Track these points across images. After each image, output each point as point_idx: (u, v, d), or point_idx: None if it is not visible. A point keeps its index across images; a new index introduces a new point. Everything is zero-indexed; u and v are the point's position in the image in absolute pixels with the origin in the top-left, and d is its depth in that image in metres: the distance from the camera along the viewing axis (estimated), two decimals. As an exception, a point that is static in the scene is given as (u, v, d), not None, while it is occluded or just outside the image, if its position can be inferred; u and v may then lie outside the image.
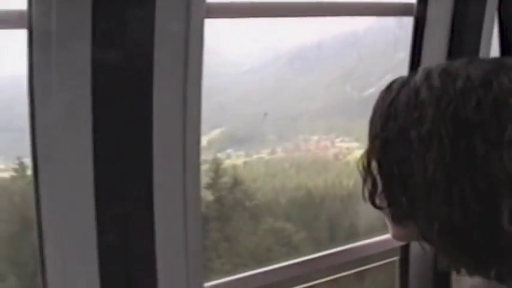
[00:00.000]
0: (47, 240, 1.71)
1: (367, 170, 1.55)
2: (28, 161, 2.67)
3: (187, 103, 1.82)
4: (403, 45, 3.32)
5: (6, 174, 2.73)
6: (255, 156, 3.15)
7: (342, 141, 3.27)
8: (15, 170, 2.68)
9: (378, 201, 1.52)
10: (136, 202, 1.78)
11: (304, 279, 2.28)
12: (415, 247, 2.55)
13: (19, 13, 1.64)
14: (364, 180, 1.55)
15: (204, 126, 3.20)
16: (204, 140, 3.14)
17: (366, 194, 1.54)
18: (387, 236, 2.57)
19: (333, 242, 3.20)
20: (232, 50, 3.11)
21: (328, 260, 2.36)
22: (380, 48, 3.34)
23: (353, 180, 3.25)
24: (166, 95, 1.78)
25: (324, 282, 2.38)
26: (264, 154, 3.17)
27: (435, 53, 2.46)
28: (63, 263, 1.72)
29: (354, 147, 3.28)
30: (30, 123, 1.68)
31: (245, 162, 3.13)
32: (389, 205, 1.50)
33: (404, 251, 2.58)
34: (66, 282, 1.74)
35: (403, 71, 3.37)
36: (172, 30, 1.76)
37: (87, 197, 1.70)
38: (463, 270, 1.46)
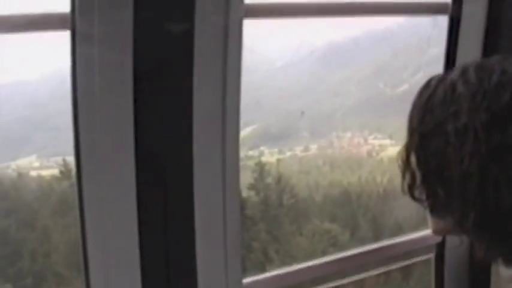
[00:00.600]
0: (89, 239, 1.73)
1: (406, 163, 1.56)
2: (64, 158, 2.72)
3: (226, 102, 1.83)
4: (436, 42, 3.32)
5: (45, 173, 2.76)
6: (288, 154, 3.16)
7: (374, 138, 3.27)
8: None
9: (416, 194, 1.54)
10: (177, 199, 1.80)
11: (331, 277, 2.28)
12: (450, 244, 2.54)
13: (62, 15, 1.66)
14: (403, 174, 1.57)
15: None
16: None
17: (405, 187, 1.56)
18: (422, 233, 2.59)
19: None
20: (266, 47, 3.13)
21: (359, 258, 2.36)
22: (413, 45, 3.34)
23: (387, 177, 3.25)
24: (206, 94, 1.80)
25: (353, 282, 2.38)
26: (298, 151, 3.17)
27: (470, 51, 2.45)
28: (106, 262, 1.74)
29: (386, 144, 3.28)
30: (74, 123, 1.69)
31: (278, 160, 3.14)
32: (427, 197, 1.52)
33: (440, 247, 2.57)
34: (108, 282, 1.75)
35: (436, 67, 3.37)
36: (211, 30, 1.77)
37: (129, 195, 1.72)
38: (500, 262, 1.48)
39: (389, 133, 3.28)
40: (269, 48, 3.20)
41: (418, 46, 3.32)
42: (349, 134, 3.25)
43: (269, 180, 3.04)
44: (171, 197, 1.79)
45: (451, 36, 2.43)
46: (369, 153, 3.24)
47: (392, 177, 3.27)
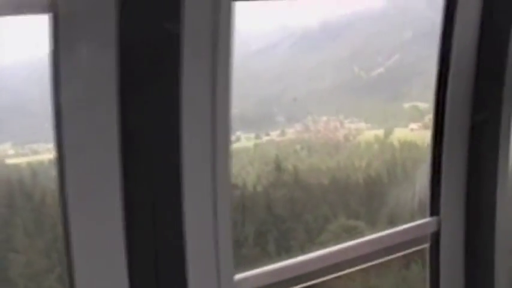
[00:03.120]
0: (72, 227, 1.70)
1: None
2: (39, 146, 2.67)
3: (216, 85, 1.81)
4: (411, 25, 3.33)
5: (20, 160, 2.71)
6: (265, 138, 3.14)
7: (350, 122, 3.26)
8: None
9: None
10: (165, 189, 1.77)
11: (323, 272, 2.28)
12: (445, 233, 2.56)
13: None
14: None
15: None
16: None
17: None
18: (417, 223, 2.61)
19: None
20: (240, 31, 3.10)
21: (354, 251, 2.37)
22: (387, 29, 3.34)
23: (365, 162, 3.25)
24: (195, 77, 1.77)
25: (347, 275, 2.38)
26: (274, 136, 3.16)
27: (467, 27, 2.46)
28: (91, 258, 1.71)
29: (362, 128, 3.28)
30: (54, 107, 1.66)
31: (256, 145, 3.12)
32: None
33: (435, 237, 2.59)
34: (94, 278, 1.72)
35: (411, 50, 3.38)
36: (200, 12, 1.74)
37: (114, 184, 1.70)
38: None
39: (365, 117, 3.28)
40: (243, 32, 3.17)
41: (393, 29, 3.33)
42: (324, 118, 3.24)
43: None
44: (160, 190, 1.77)
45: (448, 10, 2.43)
46: (346, 138, 3.24)
47: (371, 161, 3.29)
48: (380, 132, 3.30)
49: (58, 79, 1.65)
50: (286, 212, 3.09)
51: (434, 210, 2.60)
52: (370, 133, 3.29)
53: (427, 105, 3.32)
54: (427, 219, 2.60)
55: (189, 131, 1.77)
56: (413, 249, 2.61)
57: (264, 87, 3.23)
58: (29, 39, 2.26)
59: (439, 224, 2.57)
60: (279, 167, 3.05)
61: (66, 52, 1.63)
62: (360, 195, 3.26)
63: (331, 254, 2.29)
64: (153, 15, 1.68)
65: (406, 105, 3.35)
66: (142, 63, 1.69)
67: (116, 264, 1.74)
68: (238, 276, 2.03)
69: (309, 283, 2.26)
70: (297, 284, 2.24)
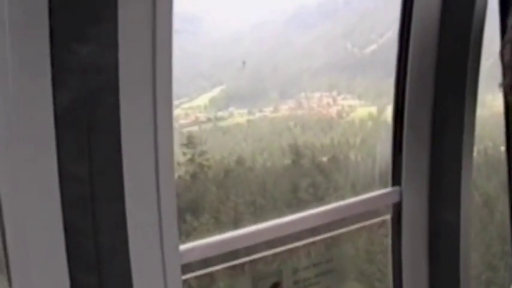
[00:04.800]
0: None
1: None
2: None
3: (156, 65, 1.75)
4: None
5: None
6: (257, 115, 3.13)
7: (343, 98, 3.26)
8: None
9: None
10: (105, 160, 1.71)
11: (273, 243, 2.24)
12: (407, 204, 2.54)
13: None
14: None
15: (205, 83, 3.19)
16: (205, 98, 3.13)
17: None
18: (378, 192, 2.58)
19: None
20: (233, 7, 3.09)
21: (317, 218, 2.34)
22: (381, 6, 3.33)
23: (359, 139, 3.26)
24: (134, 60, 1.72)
25: (303, 246, 2.35)
26: (267, 112, 3.15)
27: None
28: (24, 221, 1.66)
29: (356, 105, 3.28)
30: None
31: (249, 121, 3.11)
32: None
33: (397, 208, 2.56)
34: (27, 243, 1.67)
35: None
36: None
37: (49, 148, 1.63)
38: None
39: (358, 94, 3.27)
40: (237, 8, 3.16)
41: (386, 7, 3.31)
42: (317, 95, 3.24)
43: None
44: (97, 154, 1.70)
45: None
46: (339, 114, 3.24)
47: (365, 138, 3.28)
48: (373, 109, 3.29)
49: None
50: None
51: (396, 180, 2.57)
52: (363, 110, 3.29)
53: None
54: (389, 189, 2.56)
55: (127, 94, 1.70)
56: (375, 220, 2.59)
57: (256, 63, 3.22)
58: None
59: (400, 194, 2.54)
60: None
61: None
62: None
63: (287, 224, 2.24)
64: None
65: (399, 82, 3.34)
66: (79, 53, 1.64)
67: (52, 236, 1.68)
68: (183, 246, 1.98)
69: (261, 254, 2.21)
70: (249, 255, 2.20)
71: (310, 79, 3.28)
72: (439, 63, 2.52)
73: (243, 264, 2.20)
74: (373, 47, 3.28)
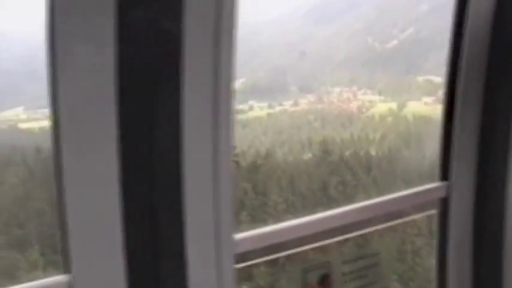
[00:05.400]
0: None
1: None
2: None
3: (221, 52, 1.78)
4: (426, -1, 3.31)
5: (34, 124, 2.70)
6: (277, 108, 3.13)
7: (364, 93, 3.25)
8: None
9: None
10: (164, 150, 1.74)
11: (328, 234, 2.26)
12: (455, 199, 2.54)
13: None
14: None
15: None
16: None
17: None
18: (426, 187, 2.58)
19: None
20: (254, 1, 3.08)
21: (361, 212, 2.35)
22: (402, 2, 3.32)
23: (379, 134, 3.25)
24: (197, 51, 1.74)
25: (351, 238, 2.36)
26: (287, 106, 3.15)
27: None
28: (86, 223, 1.69)
29: (376, 101, 3.26)
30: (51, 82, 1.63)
31: (269, 114, 3.11)
32: None
33: (444, 203, 2.57)
34: (89, 238, 1.70)
35: (426, 23, 3.36)
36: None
37: (111, 150, 1.66)
38: None
39: (379, 89, 3.26)
40: (257, 2, 3.14)
41: (408, 2, 3.31)
42: (338, 89, 3.23)
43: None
44: (158, 148, 1.74)
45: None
46: (359, 109, 3.23)
47: (385, 134, 3.28)
48: (393, 105, 3.28)
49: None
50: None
51: (444, 175, 2.57)
52: (383, 105, 3.28)
53: (440, 79, 3.30)
54: (436, 184, 2.57)
55: (190, 92, 1.74)
56: (422, 214, 2.60)
57: (277, 57, 3.21)
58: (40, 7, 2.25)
59: (448, 189, 2.55)
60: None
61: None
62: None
63: (334, 217, 2.26)
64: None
65: (420, 78, 3.33)
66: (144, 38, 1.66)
67: (112, 222, 1.71)
68: (238, 236, 2.00)
69: (312, 245, 2.23)
70: (307, 244, 2.22)
71: (330, 73, 3.27)
72: (490, 63, 2.52)
73: (293, 255, 2.23)
74: (394, 42, 3.27)
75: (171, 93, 1.76)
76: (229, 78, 1.86)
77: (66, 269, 1.72)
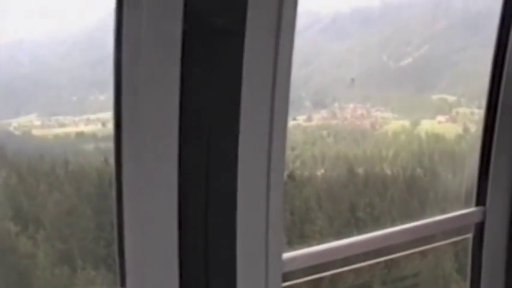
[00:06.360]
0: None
1: None
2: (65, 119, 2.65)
3: (277, 62, 1.79)
4: (443, 16, 3.30)
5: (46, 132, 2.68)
6: (291, 123, 3.11)
7: (377, 110, 3.24)
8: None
9: None
10: (220, 169, 1.76)
11: (368, 256, 2.27)
12: (490, 224, 2.55)
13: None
14: None
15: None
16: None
17: None
18: (461, 212, 2.59)
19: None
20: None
21: (399, 236, 2.36)
22: (419, 19, 3.31)
23: (392, 151, 3.23)
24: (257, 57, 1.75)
25: (391, 259, 2.37)
26: (301, 121, 3.13)
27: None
28: (143, 224, 1.70)
29: (389, 118, 3.25)
30: (116, 81, 1.64)
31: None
32: None
33: (479, 228, 2.58)
34: (145, 245, 1.71)
35: (441, 41, 3.35)
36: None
37: (171, 164, 1.67)
38: None
39: (392, 106, 3.25)
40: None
41: (424, 20, 3.30)
42: (351, 105, 3.22)
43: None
44: (214, 165, 1.75)
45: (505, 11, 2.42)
46: (373, 126, 3.22)
47: (398, 151, 3.26)
48: (407, 122, 3.27)
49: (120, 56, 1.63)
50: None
51: (481, 200, 2.59)
52: (397, 123, 3.27)
53: (455, 98, 3.30)
54: (473, 209, 2.59)
55: (247, 114, 1.75)
56: (457, 238, 2.62)
57: (292, 71, 3.20)
58: (57, 13, 2.25)
59: (484, 214, 2.56)
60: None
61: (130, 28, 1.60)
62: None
63: (374, 239, 2.28)
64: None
65: (434, 97, 3.32)
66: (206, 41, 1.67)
67: (165, 237, 1.73)
68: (287, 254, 2.03)
69: (353, 266, 2.25)
70: (343, 266, 2.24)
71: (344, 89, 3.26)
72: None
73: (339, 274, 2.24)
74: (409, 60, 3.26)
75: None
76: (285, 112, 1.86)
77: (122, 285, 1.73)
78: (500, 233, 2.58)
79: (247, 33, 1.73)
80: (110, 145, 1.90)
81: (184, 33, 1.63)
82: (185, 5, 1.61)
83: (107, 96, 2.04)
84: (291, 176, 2.94)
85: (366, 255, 2.28)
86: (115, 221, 1.77)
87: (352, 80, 3.04)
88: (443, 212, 2.66)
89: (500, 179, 2.55)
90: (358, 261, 2.26)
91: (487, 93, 2.56)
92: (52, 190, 2.50)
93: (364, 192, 3.12)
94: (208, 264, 1.80)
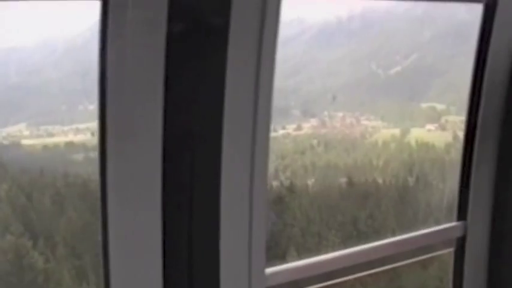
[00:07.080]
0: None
1: None
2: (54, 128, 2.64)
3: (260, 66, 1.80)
4: (429, 25, 3.31)
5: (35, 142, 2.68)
6: (280, 132, 3.12)
7: (367, 119, 3.24)
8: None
9: None
10: (204, 183, 1.76)
11: (350, 270, 2.27)
12: (471, 238, 2.56)
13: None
14: None
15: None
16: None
17: None
18: (443, 226, 2.59)
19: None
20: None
21: (379, 251, 2.37)
22: (407, 28, 3.32)
23: (382, 160, 3.24)
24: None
25: (372, 274, 2.37)
26: (290, 130, 3.13)
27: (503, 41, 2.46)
28: (127, 242, 1.69)
29: (379, 126, 3.26)
30: (100, 89, 1.64)
31: (273, 138, 3.09)
32: None
33: (461, 242, 2.59)
34: (128, 265, 1.70)
35: (429, 50, 3.36)
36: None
37: (155, 168, 1.67)
38: None
39: (382, 115, 3.26)
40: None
41: (412, 29, 3.31)
42: (341, 114, 3.22)
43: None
44: (198, 181, 1.75)
45: (485, 24, 2.42)
46: (362, 135, 3.22)
47: (388, 160, 3.27)
48: (396, 131, 3.28)
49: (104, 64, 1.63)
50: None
51: (462, 214, 2.60)
52: (386, 132, 3.27)
53: (444, 106, 3.31)
54: (454, 223, 2.60)
55: (229, 128, 1.76)
56: (438, 253, 2.62)
57: (280, 80, 3.20)
58: (47, 22, 2.24)
59: (465, 228, 2.57)
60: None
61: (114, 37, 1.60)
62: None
63: (357, 253, 2.28)
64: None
65: (423, 105, 3.33)
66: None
67: (150, 252, 1.72)
68: (269, 270, 2.02)
69: (335, 280, 2.25)
70: (325, 281, 2.24)
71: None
72: (509, 105, 2.54)
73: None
74: (398, 68, 3.27)
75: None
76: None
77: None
78: (481, 248, 2.59)
79: (231, 39, 1.73)
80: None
81: (168, 42, 1.63)
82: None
83: (96, 106, 2.04)
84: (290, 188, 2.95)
85: (348, 270, 2.27)
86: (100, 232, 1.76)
87: (334, 97, 3.05)
88: (437, 222, 2.67)
89: (481, 192, 2.56)
90: (339, 276, 2.25)
91: (467, 106, 2.57)
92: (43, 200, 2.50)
93: (352, 204, 3.13)
94: (191, 280, 1.80)
